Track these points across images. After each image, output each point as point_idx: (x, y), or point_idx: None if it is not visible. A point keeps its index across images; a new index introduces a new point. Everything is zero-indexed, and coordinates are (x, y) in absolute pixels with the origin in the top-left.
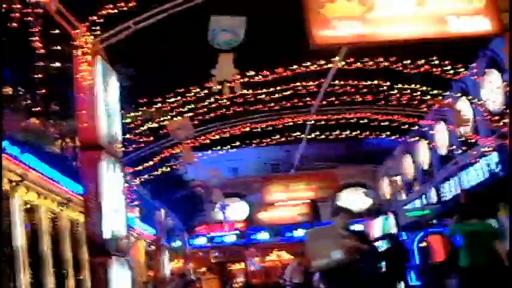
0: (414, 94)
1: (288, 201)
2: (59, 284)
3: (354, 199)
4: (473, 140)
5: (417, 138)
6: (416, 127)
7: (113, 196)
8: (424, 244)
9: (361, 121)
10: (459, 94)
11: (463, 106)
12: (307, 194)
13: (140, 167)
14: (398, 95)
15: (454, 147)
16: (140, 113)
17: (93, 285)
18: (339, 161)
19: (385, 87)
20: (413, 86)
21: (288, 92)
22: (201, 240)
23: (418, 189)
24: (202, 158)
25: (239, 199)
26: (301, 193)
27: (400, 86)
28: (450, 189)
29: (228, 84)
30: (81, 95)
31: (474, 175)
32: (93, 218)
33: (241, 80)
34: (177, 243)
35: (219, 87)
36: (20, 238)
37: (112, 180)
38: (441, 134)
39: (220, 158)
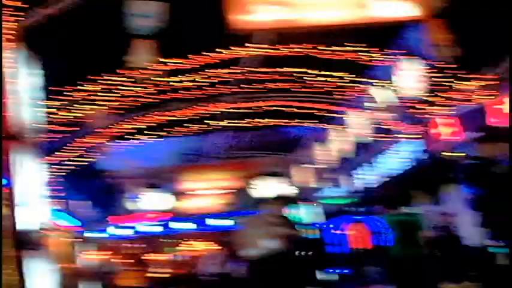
0: (332, 81)
1: (205, 190)
2: None
3: (270, 188)
4: (391, 127)
5: (332, 126)
6: (332, 115)
7: (30, 187)
8: (344, 232)
9: (277, 108)
10: (375, 81)
11: (379, 93)
12: (225, 183)
13: (58, 158)
14: (317, 83)
15: (371, 134)
16: (57, 101)
17: (9, 280)
18: (254, 150)
19: (304, 75)
20: (331, 73)
21: (206, 80)
22: (117, 231)
23: (333, 177)
24: (118, 148)
25: (155, 189)
26: (218, 182)
27: (318, 72)
28: (366, 178)
29: (145, 71)
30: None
31: (391, 163)
32: (9, 210)
33: (158, 67)
34: (98, 234)
35: (137, 72)
36: None
37: (28, 171)
38: (357, 121)
39: (135, 149)
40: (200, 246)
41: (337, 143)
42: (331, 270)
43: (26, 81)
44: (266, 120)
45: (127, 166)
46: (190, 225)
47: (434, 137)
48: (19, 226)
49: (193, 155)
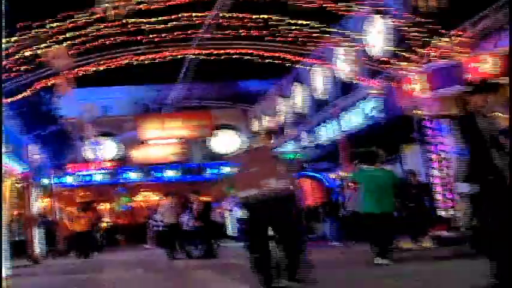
0: (302, 30)
1: (162, 140)
2: None
3: (226, 141)
4: (354, 82)
5: (292, 80)
6: (294, 69)
7: None
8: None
9: (242, 57)
10: (346, 32)
11: (348, 46)
12: (182, 132)
13: (10, 99)
14: (286, 31)
15: (330, 90)
16: (15, 38)
17: None
18: (212, 102)
19: (273, 22)
20: (302, 22)
21: (172, 24)
22: (69, 179)
23: (291, 132)
24: (73, 94)
25: (109, 138)
26: (175, 131)
27: (289, 21)
28: (326, 134)
29: (113, 8)
30: None
31: (351, 120)
32: None
33: (129, 5)
34: (45, 181)
35: (104, 9)
36: None
37: None
38: (318, 76)
39: (90, 96)
40: (152, 197)
41: (299, 97)
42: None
43: None
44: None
45: (84, 112)
46: (144, 176)
47: (403, 94)
48: None
49: (149, 106)
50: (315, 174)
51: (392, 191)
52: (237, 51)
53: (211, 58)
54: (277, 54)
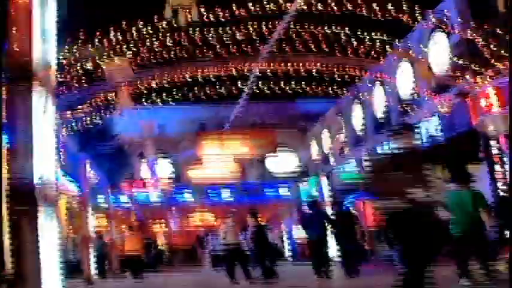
0: (373, 43)
1: (220, 158)
2: None
3: (282, 161)
4: (417, 99)
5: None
6: (354, 87)
7: (44, 135)
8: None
9: (310, 72)
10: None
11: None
12: (242, 150)
13: (69, 114)
14: (355, 45)
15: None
16: (75, 48)
17: (14, 242)
18: (269, 122)
19: (342, 35)
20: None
21: (239, 36)
22: (124, 198)
23: (350, 152)
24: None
25: (165, 157)
26: (235, 150)
27: (359, 34)
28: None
29: (184, 11)
30: (13, 12)
31: (415, 138)
32: (19, 158)
33: (194, 16)
34: (101, 201)
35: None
36: None
37: (43, 116)
38: (379, 96)
39: (145, 115)
40: (209, 218)
41: (360, 116)
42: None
43: (49, 16)
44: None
45: (143, 130)
46: (199, 196)
47: (475, 110)
48: (31, 178)
49: (208, 123)
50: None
51: (479, 211)
52: (305, 67)
53: (276, 73)
54: (344, 70)
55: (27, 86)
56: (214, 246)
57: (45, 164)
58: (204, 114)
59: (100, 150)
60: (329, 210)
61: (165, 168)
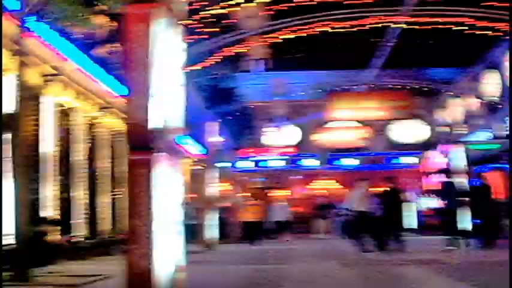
0: None
1: (354, 121)
2: (91, 198)
3: (412, 129)
4: None
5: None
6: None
7: (167, 71)
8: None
9: (452, 27)
10: None
11: None
12: (377, 113)
13: (198, 66)
14: None
15: None
16: None
17: (132, 195)
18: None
19: None
20: None
21: None
22: (247, 163)
23: (483, 121)
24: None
25: (290, 122)
26: (370, 112)
27: None
28: None
29: None
30: None
31: None
32: (137, 99)
33: None
34: (223, 165)
35: None
36: (50, 143)
37: (168, 48)
38: None
39: (269, 80)
40: (332, 186)
41: (492, 85)
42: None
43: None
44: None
45: (276, 86)
46: (322, 163)
47: None
48: (151, 121)
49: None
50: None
51: None
52: (448, 20)
53: (418, 28)
54: (490, 24)
55: (150, 8)
56: (342, 214)
57: (170, 106)
58: (329, 80)
59: (227, 111)
60: (464, 181)
61: (292, 133)
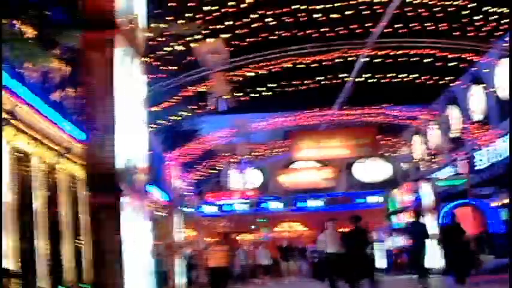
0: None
1: (316, 160)
2: (54, 248)
3: (375, 167)
4: None
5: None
6: (447, 90)
7: (129, 105)
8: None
9: (421, 59)
10: None
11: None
12: (341, 152)
13: (157, 107)
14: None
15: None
16: (166, 25)
17: (97, 242)
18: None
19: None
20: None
21: (349, 12)
22: (211, 208)
23: (446, 158)
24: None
25: (254, 166)
26: (333, 150)
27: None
28: (486, 158)
29: None
30: None
31: None
32: (97, 137)
33: None
34: (187, 210)
35: None
36: (7, 191)
37: (128, 79)
38: (477, 97)
39: (230, 123)
40: (297, 228)
41: (455, 121)
42: None
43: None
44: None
45: (237, 128)
46: (286, 205)
47: None
48: (115, 161)
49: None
50: (473, 202)
51: None
52: (418, 52)
53: (385, 60)
54: (461, 55)
55: (109, 37)
56: (313, 256)
57: (133, 144)
58: (287, 122)
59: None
60: (430, 219)
61: (256, 176)
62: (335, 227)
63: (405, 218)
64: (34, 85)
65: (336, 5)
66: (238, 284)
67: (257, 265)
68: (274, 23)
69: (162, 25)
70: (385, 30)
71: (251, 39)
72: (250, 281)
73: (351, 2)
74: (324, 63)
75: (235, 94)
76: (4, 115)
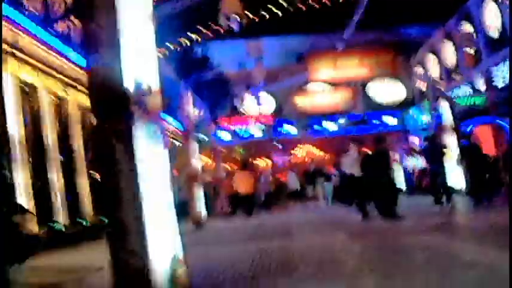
0: None
1: (333, 81)
2: (69, 181)
3: (392, 88)
4: None
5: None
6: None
7: (136, 21)
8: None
9: None
10: None
11: None
12: (359, 72)
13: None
14: None
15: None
16: None
17: (109, 177)
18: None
19: None
20: None
21: None
22: (225, 135)
23: (464, 75)
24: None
25: (268, 90)
26: (351, 71)
27: None
28: (503, 76)
29: None
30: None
31: None
32: (105, 56)
33: None
34: (203, 137)
35: None
36: (16, 125)
37: None
38: (492, 13)
39: (240, 48)
40: (309, 152)
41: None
42: None
43: None
44: None
45: (247, 52)
46: (300, 129)
47: None
48: (123, 81)
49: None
50: (498, 121)
51: None
52: None
53: None
54: None
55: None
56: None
57: (142, 64)
58: (300, 45)
59: (201, 80)
60: (450, 138)
61: (270, 100)
62: (358, 149)
63: (423, 139)
64: (37, 16)
65: None
66: (263, 210)
67: (284, 190)
68: None
69: None
70: None
71: None
72: (274, 207)
73: None
74: None
75: (246, 13)
76: (6, 47)
